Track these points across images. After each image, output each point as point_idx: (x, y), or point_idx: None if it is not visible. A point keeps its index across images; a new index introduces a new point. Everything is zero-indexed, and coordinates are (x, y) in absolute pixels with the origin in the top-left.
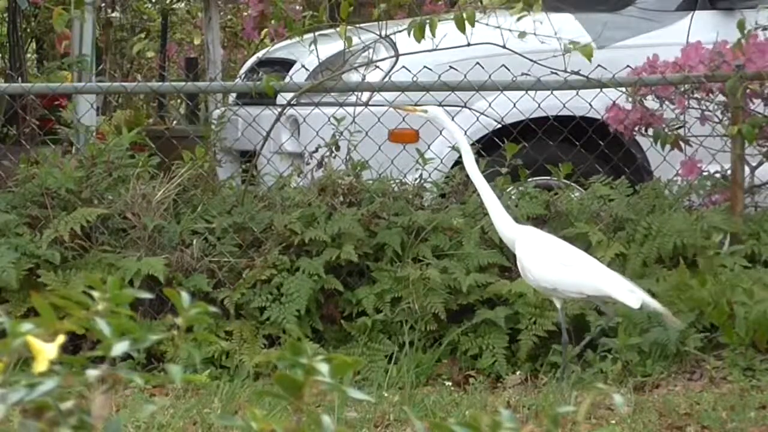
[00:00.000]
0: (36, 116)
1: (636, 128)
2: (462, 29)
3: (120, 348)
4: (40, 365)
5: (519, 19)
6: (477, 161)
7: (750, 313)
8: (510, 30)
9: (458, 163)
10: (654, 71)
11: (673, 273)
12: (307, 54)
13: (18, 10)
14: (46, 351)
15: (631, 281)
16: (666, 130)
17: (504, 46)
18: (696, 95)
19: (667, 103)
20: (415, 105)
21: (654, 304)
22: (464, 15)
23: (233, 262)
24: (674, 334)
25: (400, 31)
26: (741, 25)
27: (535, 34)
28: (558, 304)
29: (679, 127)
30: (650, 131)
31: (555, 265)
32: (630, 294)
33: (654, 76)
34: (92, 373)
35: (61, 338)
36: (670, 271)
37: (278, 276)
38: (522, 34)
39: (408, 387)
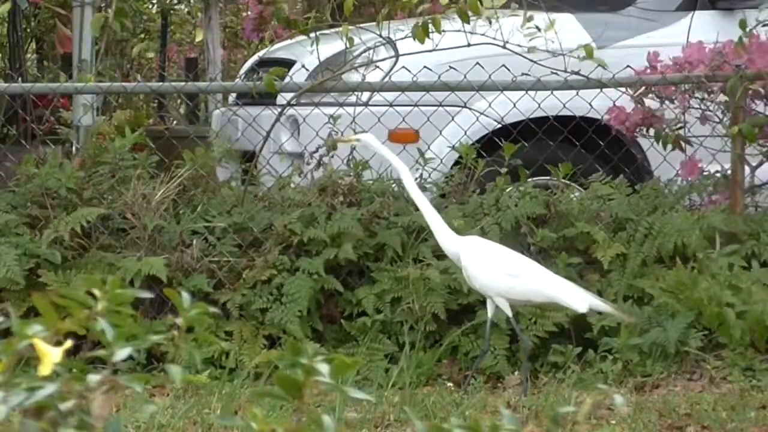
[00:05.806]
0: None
1: (637, 129)
2: (438, 29)
3: (121, 354)
4: (46, 369)
5: (530, 38)
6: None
7: (745, 313)
8: (520, 45)
9: (458, 163)
10: (655, 70)
11: (672, 273)
12: (307, 54)
13: (18, 10)
14: (52, 355)
15: (578, 284)
16: (666, 130)
17: (504, 46)
18: (697, 95)
19: (667, 102)
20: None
21: (601, 305)
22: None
23: (233, 262)
24: (675, 333)
25: (403, 38)
26: (743, 24)
27: (546, 49)
28: (508, 312)
29: (680, 127)
30: (651, 132)
31: (501, 275)
32: (576, 298)
33: (654, 76)
34: (93, 378)
35: (67, 343)
36: (669, 270)
37: (279, 276)
38: (532, 49)
39: (408, 387)
